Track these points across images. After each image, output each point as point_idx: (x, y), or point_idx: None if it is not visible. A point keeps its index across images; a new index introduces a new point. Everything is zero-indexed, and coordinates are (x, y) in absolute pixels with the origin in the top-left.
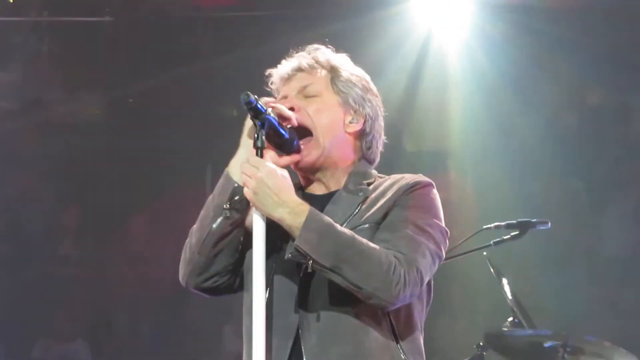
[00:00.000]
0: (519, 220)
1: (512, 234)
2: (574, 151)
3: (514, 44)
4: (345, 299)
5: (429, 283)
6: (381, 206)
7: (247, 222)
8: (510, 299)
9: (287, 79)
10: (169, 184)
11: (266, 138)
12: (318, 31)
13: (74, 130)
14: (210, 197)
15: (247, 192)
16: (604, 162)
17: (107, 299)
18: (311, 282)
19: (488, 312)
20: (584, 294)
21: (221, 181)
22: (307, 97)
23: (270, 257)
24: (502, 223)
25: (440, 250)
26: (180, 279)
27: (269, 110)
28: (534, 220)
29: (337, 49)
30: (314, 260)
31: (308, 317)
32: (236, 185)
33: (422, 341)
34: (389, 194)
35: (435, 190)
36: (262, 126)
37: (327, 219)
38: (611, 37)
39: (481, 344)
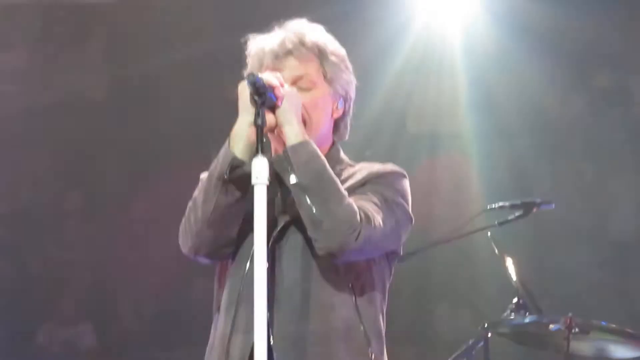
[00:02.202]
0: (523, 200)
1: (517, 214)
2: (581, 133)
3: (518, 24)
4: (314, 276)
5: (390, 264)
6: (350, 186)
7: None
8: (514, 280)
9: (277, 63)
10: (172, 166)
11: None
12: (320, 14)
13: (76, 113)
14: (212, 166)
15: (280, 90)
16: (611, 144)
17: (110, 282)
18: (282, 259)
19: (492, 293)
20: (590, 277)
21: (222, 151)
22: (301, 89)
23: (248, 233)
24: (507, 203)
25: (400, 228)
26: (185, 250)
27: (271, 89)
28: (538, 200)
29: (340, 31)
30: (295, 171)
31: (277, 292)
32: (234, 156)
33: (383, 325)
34: (358, 177)
35: (407, 180)
36: (263, 104)
37: (324, 158)
38: (616, 16)
39: (486, 325)
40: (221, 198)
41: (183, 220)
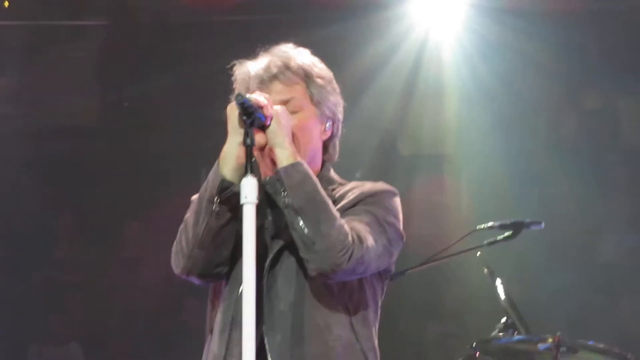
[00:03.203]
0: (512, 220)
1: (506, 234)
2: (571, 155)
3: (510, 48)
4: (308, 298)
5: (382, 282)
6: (342, 206)
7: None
8: (503, 299)
9: (263, 88)
10: (164, 188)
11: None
12: (313, 36)
13: (69, 134)
14: (203, 188)
15: (268, 109)
16: (600, 166)
17: (101, 303)
18: (277, 283)
19: (481, 313)
20: (578, 297)
21: (211, 173)
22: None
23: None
24: (496, 223)
25: (392, 246)
26: (177, 271)
27: (259, 109)
28: (528, 220)
29: (333, 53)
30: (287, 194)
31: (272, 315)
32: (223, 177)
33: (376, 342)
34: (350, 196)
35: (398, 198)
36: (252, 124)
37: (316, 179)
38: (606, 41)
39: (474, 344)
40: (212, 220)
41: (175, 241)
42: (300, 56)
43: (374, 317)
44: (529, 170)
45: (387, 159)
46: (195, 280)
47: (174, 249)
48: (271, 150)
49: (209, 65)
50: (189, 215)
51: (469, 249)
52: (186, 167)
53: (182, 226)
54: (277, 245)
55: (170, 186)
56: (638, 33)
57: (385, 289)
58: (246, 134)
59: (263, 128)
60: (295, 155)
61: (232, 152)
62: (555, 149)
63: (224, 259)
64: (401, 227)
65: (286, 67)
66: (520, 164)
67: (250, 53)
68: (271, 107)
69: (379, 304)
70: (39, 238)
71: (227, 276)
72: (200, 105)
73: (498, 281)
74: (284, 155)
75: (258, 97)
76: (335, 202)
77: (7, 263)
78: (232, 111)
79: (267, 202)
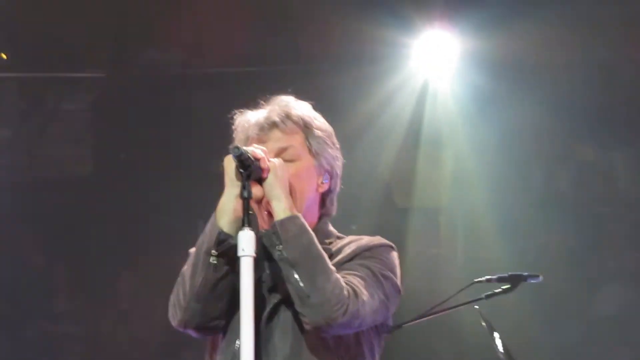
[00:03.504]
0: (510, 273)
1: (504, 287)
2: (568, 208)
3: (507, 101)
4: (304, 352)
5: (379, 335)
6: (338, 260)
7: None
8: (502, 353)
9: (262, 135)
10: (160, 240)
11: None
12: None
13: (65, 185)
14: (200, 241)
15: (265, 162)
16: (596, 219)
17: (99, 356)
18: (273, 337)
19: None
20: (576, 351)
21: (208, 226)
22: (285, 160)
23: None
24: (494, 276)
25: (389, 300)
26: (174, 323)
27: (256, 162)
28: (526, 273)
29: (331, 104)
30: (283, 247)
31: None
32: (220, 230)
33: None
34: (347, 251)
35: (395, 253)
36: (249, 177)
37: (312, 233)
38: (601, 92)
39: None
40: (209, 272)
41: (172, 294)
42: (302, 108)
43: None
44: (526, 223)
45: (382, 211)
46: (193, 333)
47: (170, 301)
48: (268, 203)
49: (206, 117)
50: (186, 267)
51: (466, 302)
52: (182, 219)
53: (179, 279)
54: (274, 298)
55: (167, 238)
56: (634, 85)
57: (383, 343)
58: (243, 187)
59: (260, 181)
60: (292, 209)
61: (229, 204)
62: (554, 201)
63: (221, 311)
64: (398, 281)
65: (287, 115)
66: (516, 217)
67: (248, 104)
68: (268, 160)
69: (377, 358)
70: (34, 290)
71: (224, 329)
72: (197, 157)
73: (496, 335)
74: (281, 208)
75: (255, 149)
76: (332, 256)
77: (5, 316)
78: (229, 163)
79: (264, 255)
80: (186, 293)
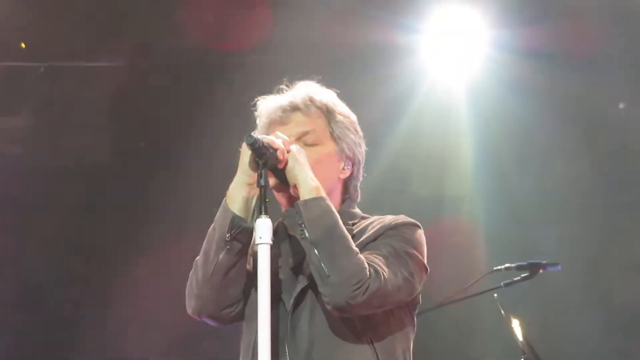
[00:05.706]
0: (529, 261)
1: (523, 275)
2: (588, 196)
3: (524, 86)
4: (331, 334)
5: (411, 314)
6: (362, 240)
7: (253, 249)
8: (520, 341)
9: (284, 117)
10: (180, 228)
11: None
12: (327, 74)
13: (85, 174)
14: (211, 228)
15: (284, 152)
16: (614, 207)
17: (117, 343)
18: (300, 321)
19: (498, 354)
20: (595, 339)
21: (220, 212)
22: (307, 144)
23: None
24: (513, 265)
25: (414, 278)
26: (189, 311)
27: (272, 150)
28: (544, 262)
29: (344, 94)
30: (305, 226)
31: (297, 357)
32: (234, 214)
33: None
34: (371, 231)
35: (420, 231)
36: (265, 165)
37: (336, 214)
38: (618, 80)
39: None
40: (223, 258)
41: (187, 283)
42: (326, 94)
43: (404, 350)
44: (546, 212)
45: (403, 200)
46: (209, 321)
47: (186, 291)
48: (282, 191)
49: (227, 105)
50: (199, 257)
51: (486, 290)
52: (203, 207)
53: (193, 269)
54: (300, 284)
55: (186, 226)
56: None
57: (416, 321)
58: (259, 175)
59: (275, 170)
60: (318, 190)
61: (239, 190)
62: (574, 189)
63: (233, 299)
64: (424, 259)
65: (310, 100)
66: (537, 205)
67: (269, 92)
68: (288, 150)
69: (410, 336)
70: (50, 279)
71: (244, 313)
72: (216, 145)
73: (515, 322)
74: (307, 190)
75: (275, 139)
76: (355, 236)
77: (20, 304)
78: (245, 151)
79: (287, 234)
80: (199, 280)
